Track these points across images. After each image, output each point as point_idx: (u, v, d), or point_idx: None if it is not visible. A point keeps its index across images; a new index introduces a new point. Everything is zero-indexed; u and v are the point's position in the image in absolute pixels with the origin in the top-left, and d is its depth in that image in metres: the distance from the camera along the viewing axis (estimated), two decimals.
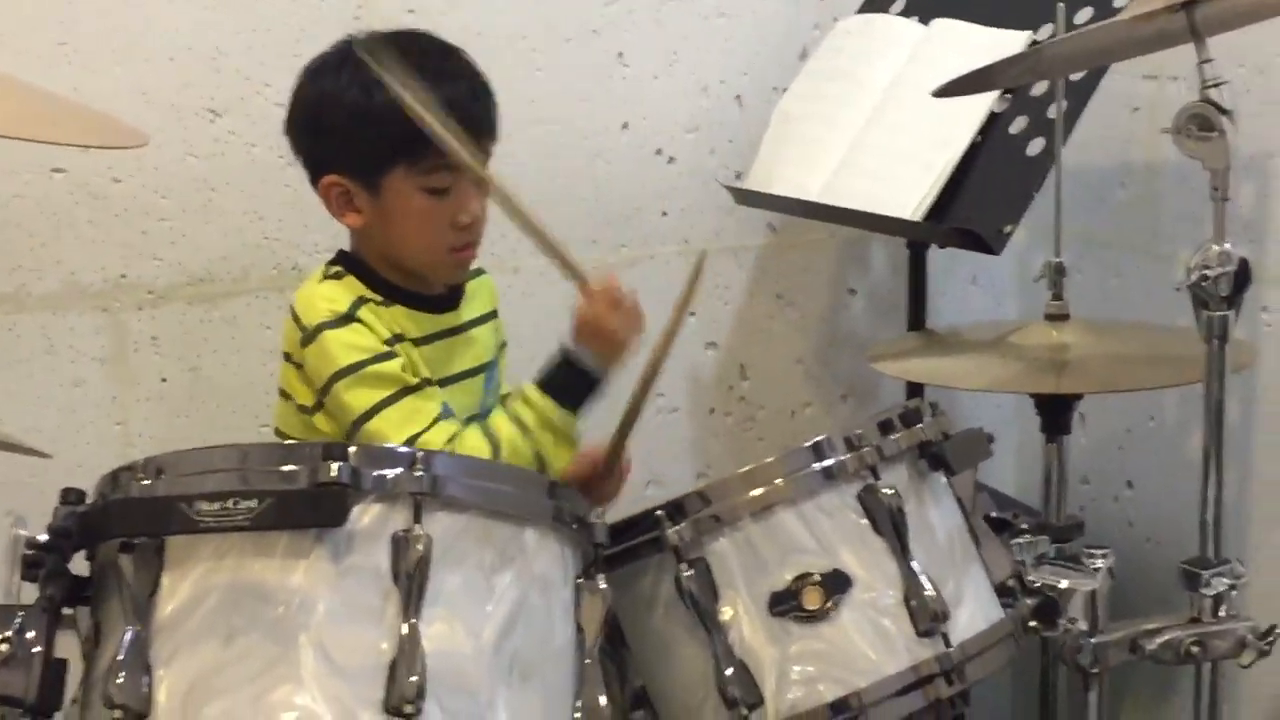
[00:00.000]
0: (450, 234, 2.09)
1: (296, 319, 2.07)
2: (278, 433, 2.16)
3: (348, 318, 2.04)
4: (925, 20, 2.72)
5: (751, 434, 3.08)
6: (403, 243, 2.09)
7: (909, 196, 2.50)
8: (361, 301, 2.06)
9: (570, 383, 2.07)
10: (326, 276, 2.12)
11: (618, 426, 2.12)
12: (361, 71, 2.00)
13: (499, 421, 2.06)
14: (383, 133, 2.00)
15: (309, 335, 2.04)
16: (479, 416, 2.17)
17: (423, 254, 2.10)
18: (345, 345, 2.03)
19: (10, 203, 2.48)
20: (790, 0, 2.96)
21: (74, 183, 2.51)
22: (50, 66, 2.45)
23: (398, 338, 2.08)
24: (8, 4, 2.44)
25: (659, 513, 1.73)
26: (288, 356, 2.11)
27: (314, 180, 2.11)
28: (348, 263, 2.14)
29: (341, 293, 2.08)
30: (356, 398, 2.01)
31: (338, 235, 2.19)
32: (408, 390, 2.03)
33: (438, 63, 2.07)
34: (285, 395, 2.13)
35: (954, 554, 1.80)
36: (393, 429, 1.99)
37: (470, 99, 2.07)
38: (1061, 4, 2.39)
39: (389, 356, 2.04)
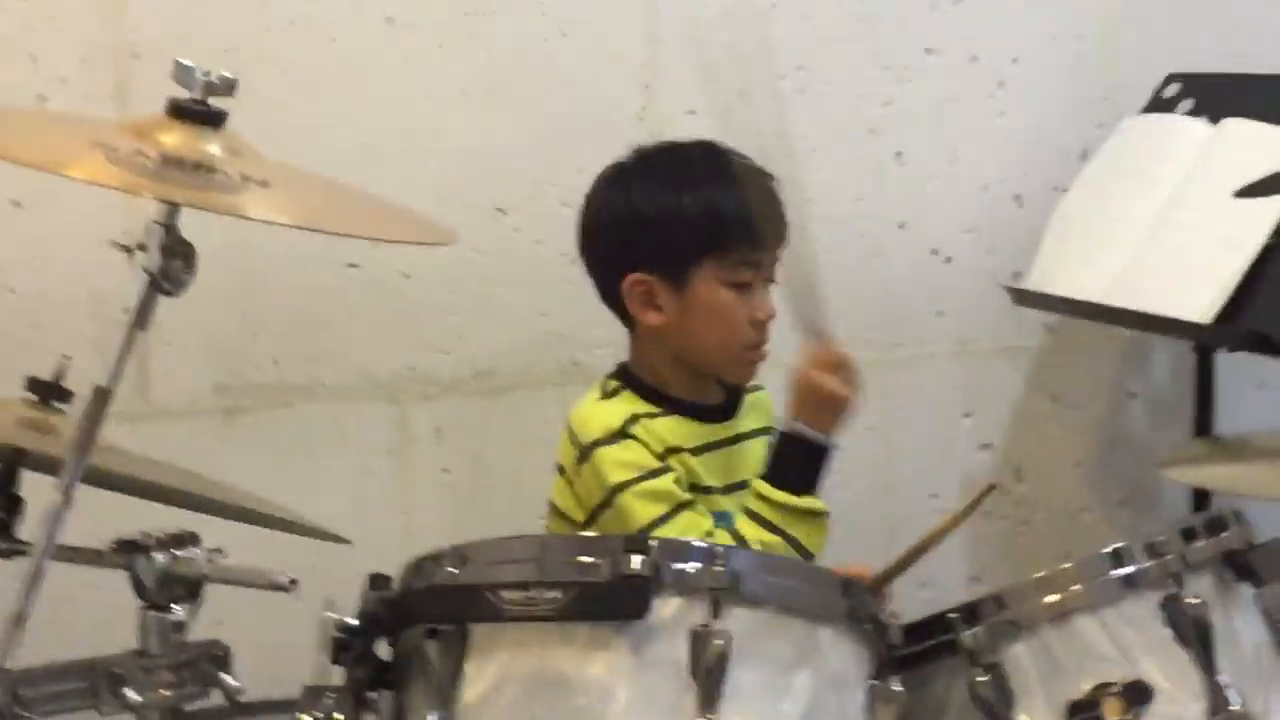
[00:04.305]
0: (749, 331, 2.12)
1: (572, 434, 2.11)
2: None
3: (621, 434, 2.08)
4: (1215, 120, 2.67)
5: (1026, 538, 3.02)
6: (703, 339, 2.12)
7: (1199, 298, 2.45)
8: (635, 419, 2.09)
9: (799, 464, 2.08)
10: (605, 394, 2.16)
11: (893, 565, 2.08)
12: (673, 172, 2.10)
13: (742, 526, 2.06)
14: (693, 228, 2.08)
15: (584, 453, 2.08)
16: None
17: (721, 351, 2.13)
18: (618, 463, 2.06)
19: (307, 296, 2.58)
20: (1071, 100, 2.94)
21: (367, 277, 2.60)
22: (351, 167, 2.53)
23: (671, 450, 2.10)
24: (317, 110, 2.55)
25: (953, 615, 1.70)
26: (561, 470, 2.15)
27: (611, 284, 2.15)
28: (625, 377, 2.18)
29: (616, 410, 2.11)
30: (631, 514, 2.04)
31: (619, 333, 2.23)
32: (681, 507, 2.06)
33: (726, 168, 2.13)
34: (556, 510, 2.17)
35: (1262, 668, 1.73)
36: None
37: (762, 204, 2.12)
38: None
39: (663, 472, 2.07)
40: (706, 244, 2.09)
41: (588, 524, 2.09)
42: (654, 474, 2.06)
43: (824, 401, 2.09)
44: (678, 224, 2.10)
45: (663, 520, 2.03)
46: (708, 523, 2.06)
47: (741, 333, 2.12)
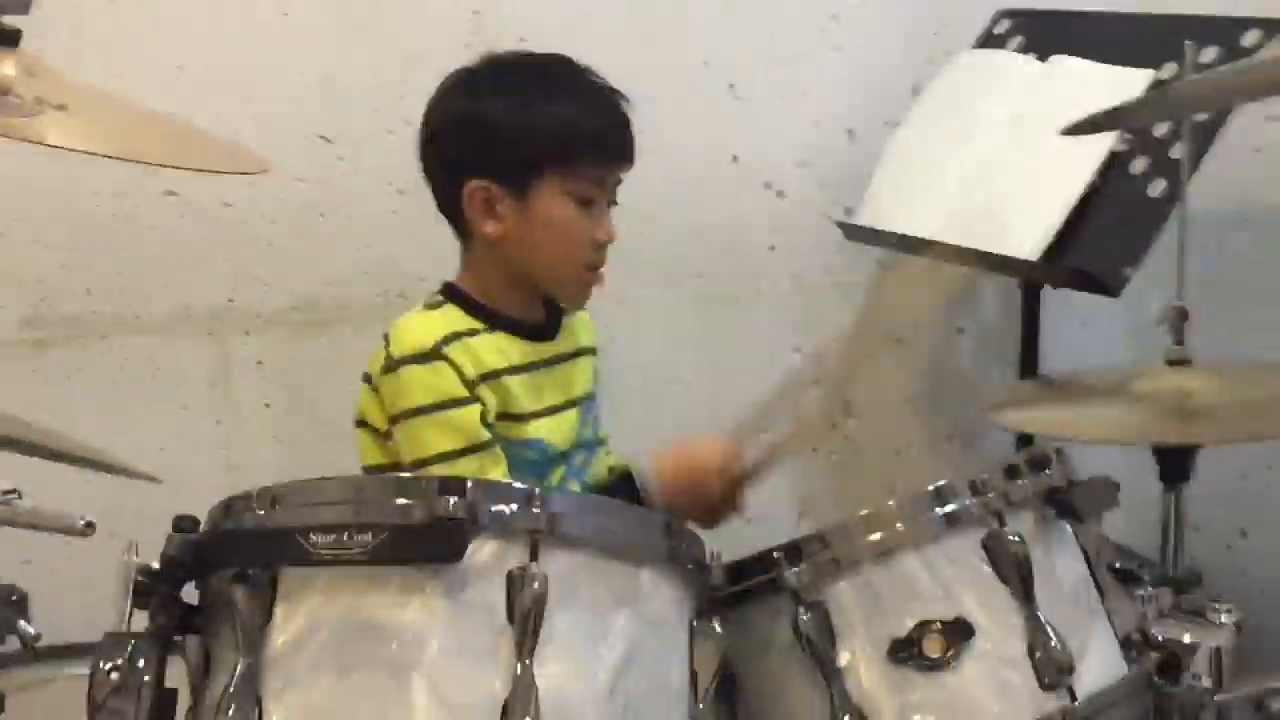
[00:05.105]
0: (588, 249, 2.10)
1: (387, 343, 2.05)
2: (364, 469, 2.12)
3: (433, 355, 2.02)
4: (1043, 57, 2.67)
5: (855, 473, 3.03)
6: (541, 253, 2.09)
7: (1026, 236, 2.46)
8: (453, 338, 2.04)
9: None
10: (427, 306, 2.11)
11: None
12: (526, 81, 2.08)
13: None
14: (541, 138, 2.05)
15: (391, 364, 2.03)
16: (579, 450, 2.16)
17: (559, 267, 2.11)
18: (424, 384, 2.01)
19: (123, 224, 2.49)
20: (904, 35, 2.93)
21: (185, 206, 2.51)
22: (166, 91, 2.46)
23: (487, 375, 2.05)
24: (128, 30, 2.45)
25: (776, 554, 1.68)
26: (368, 378, 2.08)
27: (452, 190, 2.09)
28: (450, 292, 2.13)
29: (435, 325, 2.06)
30: (423, 439, 2.00)
31: (444, 263, 2.17)
32: (475, 449, 2.02)
33: (579, 82, 2.11)
34: (363, 423, 2.10)
35: (1080, 605, 1.74)
36: None
37: (611, 121, 2.11)
38: (1190, 43, 2.34)
39: (468, 403, 2.02)
40: (552, 155, 2.05)
41: (387, 436, 2.05)
42: (457, 404, 2.01)
43: (690, 490, 2.12)
44: (526, 132, 2.06)
45: (452, 455, 1.99)
46: (498, 472, 2.02)
47: (580, 250, 2.09)
